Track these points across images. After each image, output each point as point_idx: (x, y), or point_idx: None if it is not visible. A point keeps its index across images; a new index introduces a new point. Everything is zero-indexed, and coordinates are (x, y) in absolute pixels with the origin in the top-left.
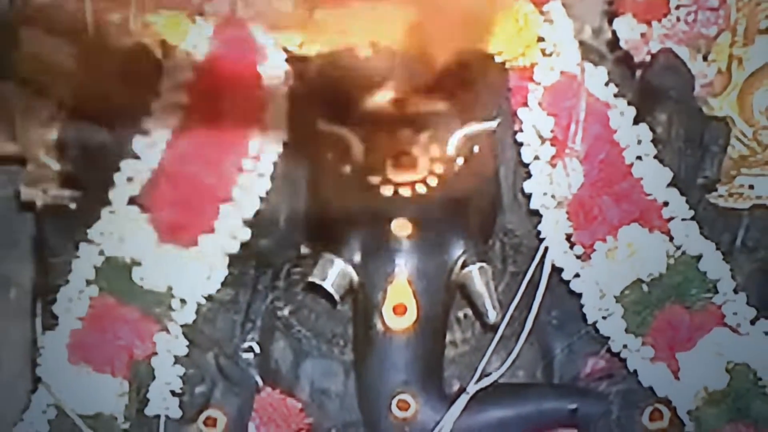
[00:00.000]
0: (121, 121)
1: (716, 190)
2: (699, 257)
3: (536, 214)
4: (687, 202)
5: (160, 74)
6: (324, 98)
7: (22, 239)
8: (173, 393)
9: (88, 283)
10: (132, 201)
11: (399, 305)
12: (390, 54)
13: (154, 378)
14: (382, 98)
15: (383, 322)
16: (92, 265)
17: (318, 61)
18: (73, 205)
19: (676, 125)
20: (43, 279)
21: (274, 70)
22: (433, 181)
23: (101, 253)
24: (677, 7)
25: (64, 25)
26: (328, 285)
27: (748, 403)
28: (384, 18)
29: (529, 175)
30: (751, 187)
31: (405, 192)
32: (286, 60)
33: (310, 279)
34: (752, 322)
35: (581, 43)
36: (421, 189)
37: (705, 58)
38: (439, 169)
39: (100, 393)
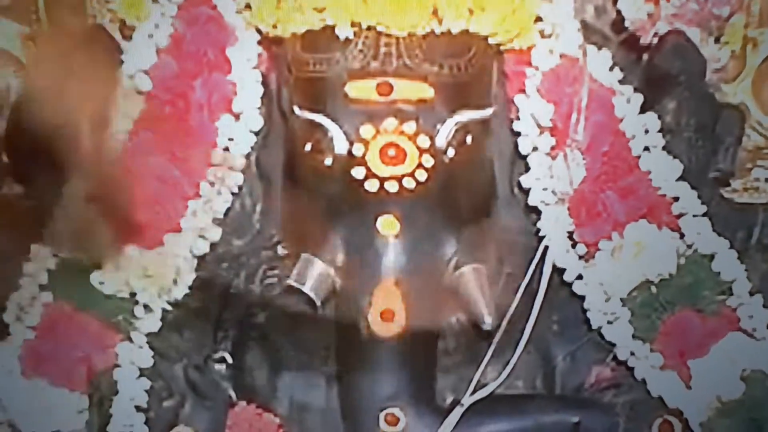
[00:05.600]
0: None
1: (730, 184)
2: (712, 256)
3: (535, 211)
4: (698, 196)
5: (119, 59)
6: (301, 84)
7: None
8: (138, 408)
9: (42, 288)
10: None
11: (386, 310)
12: (373, 35)
13: (117, 392)
14: (365, 83)
15: (369, 329)
16: (46, 269)
17: (293, 42)
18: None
19: (686, 114)
20: None
21: (245, 53)
22: (421, 175)
23: (56, 255)
24: None
25: (12, 5)
26: (307, 289)
27: (764, 414)
28: None
29: (526, 168)
30: None
31: (391, 187)
32: (259, 42)
33: (288, 282)
34: None
35: (583, 24)
36: (409, 183)
37: (717, 41)
38: (428, 161)
39: (57, 409)
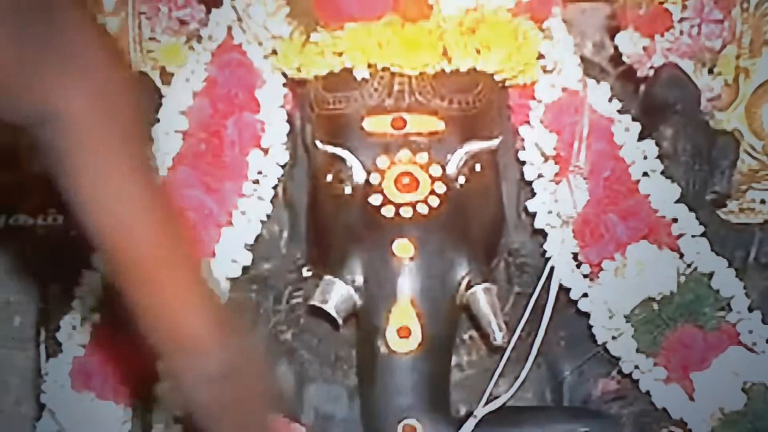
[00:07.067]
0: None
1: (726, 205)
2: (711, 275)
3: (541, 233)
4: (697, 218)
5: (159, 101)
6: (322, 120)
7: (26, 267)
8: (177, 419)
9: (91, 310)
10: None
11: (403, 328)
12: (387, 74)
13: (158, 404)
14: (380, 119)
15: (387, 345)
16: (94, 293)
17: (315, 83)
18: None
19: (682, 140)
20: (46, 306)
21: (272, 94)
22: (434, 201)
23: (104, 279)
24: (680, 21)
25: None
26: (330, 308)
27: (766, 424)
28: (381, 39)
29: (532, 194)
30: (763, 201)
31: (406, 212)
32: (284, 84)
33: (312, 302)
34: None
35: (582, 59)
36: (422, 209)
37: (710, 71)
38: (440, 188)
39: (104, 420)
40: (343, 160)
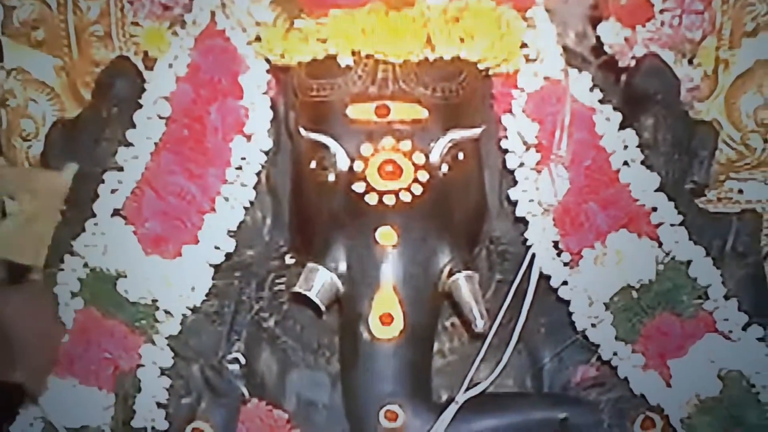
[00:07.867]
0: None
1: (705, 194)
2: (689, 263)
3: (523, 221)
4: (675, 207)
5: (142, 86)
6: (306, 107)
7: None
8: (159, 405)
9: (73, 295)
10: (116, 213)
11: (385, 315)
12: (371, 62)
13: (140, 390)
14: (364, 106)
15: (370, 332)
16: (77, 278)
17: (299, 70)
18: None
19: (662, 130)
20: None
21: (255, 80)
22: (417, 189)
23: (86, 265)
24: (662, 11)
25: (47, 39)
26: (313, 295)
27: (741, 411)
28: (365, 26)
29: (514, 182)
30: (741, 191)
31: (389, 200)
32: (268, 70)
33: (295, 289)
34: (744, 328)
35: (565, 49)
36: (405, 197)
37: (690, 62)
38: (423, 176)
39: (86, 406)
40: (326, 147)
